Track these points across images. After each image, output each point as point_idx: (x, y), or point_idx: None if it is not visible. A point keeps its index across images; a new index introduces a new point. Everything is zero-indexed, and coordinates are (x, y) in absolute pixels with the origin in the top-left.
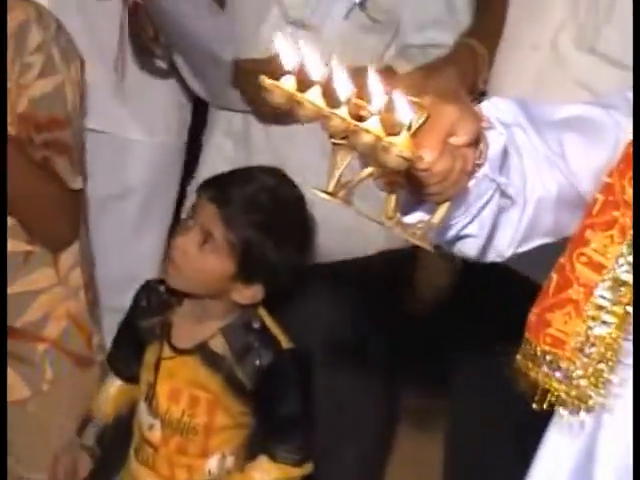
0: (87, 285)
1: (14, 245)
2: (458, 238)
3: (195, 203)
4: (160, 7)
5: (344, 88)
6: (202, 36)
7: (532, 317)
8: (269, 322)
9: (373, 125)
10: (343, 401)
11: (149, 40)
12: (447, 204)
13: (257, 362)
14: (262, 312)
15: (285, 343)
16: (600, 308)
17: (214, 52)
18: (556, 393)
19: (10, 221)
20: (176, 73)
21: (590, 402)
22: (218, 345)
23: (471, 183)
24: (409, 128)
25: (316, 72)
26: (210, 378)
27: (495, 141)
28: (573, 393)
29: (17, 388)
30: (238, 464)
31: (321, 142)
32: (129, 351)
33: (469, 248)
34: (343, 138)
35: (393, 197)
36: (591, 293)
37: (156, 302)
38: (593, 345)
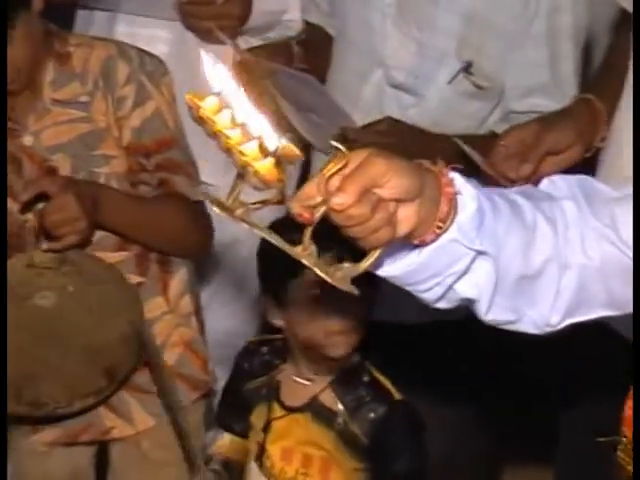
0: (197, 311)
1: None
2: (465, 304)
3: None
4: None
5: (239, 112)
6: (308, 104)
7: (627, 411)
8: (378, 374)
9: (248, 148)
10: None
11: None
12: (377, 252)
13: (372, 415)
14: (369, 365)
15: (397, 395)
16: None
17: (320, 117)
18: None
19: (120, 256)
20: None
21: None
22: (329, 400)
23: (434, 246)
24: (274, 155)
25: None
26: (323, 435)
27: (466, 208)
28: None
29: (142, 418)
30: None
31: None
32: (237, 412)
33: (490, 316)
34: None
35: (309, 229)
36: None
37: (259, 364)
38: None
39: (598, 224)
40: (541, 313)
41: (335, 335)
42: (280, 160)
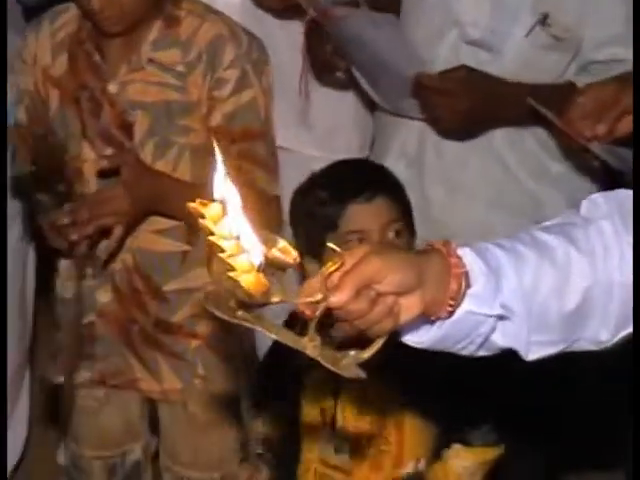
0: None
1: (174, 246)
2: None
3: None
4: (340, 27)
5: (233, 223)
6: (382, 51)
7: None
8: None
9: (238, 261)
10: None
11: (329, 54)
12: (381, 340)
13: None
14: None
15: None
16: None
17: (393, 66)
18: None
19: (172, 223)
20: (355, 88)
21: None
22: None
23: (452, 320)
24: (258, 269)
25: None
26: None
27: (478, 280)
28: None
29: (169, 378)
30: (430, 463)
31: (491, 168)
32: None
33: (532, 357)
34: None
35: (313, 322)
36: None
37: None
38: None
39: (630, 238)
40: (592, 334)
41: None
42: (266, 272)
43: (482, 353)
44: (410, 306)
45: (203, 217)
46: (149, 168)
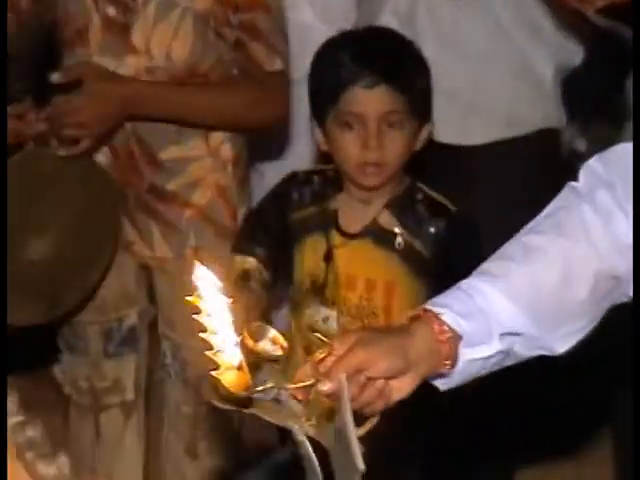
0: (236, 160)
1: None
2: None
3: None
4: None
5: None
6: None
7: None
8: (431, 192)
9: (222, 357)
10: None
11: None
12: (374, 419)
13: (432, 230)
14: (420, 184)
15: (453, 208)
16: None
17: None
18: None
19: None
20: None
21: None
22: (388, 222)
23: (457, 370)
24: (239, 368)
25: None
26: (385, 258)
27: (471, 339)
28: None
29: (160, 247)
30: None
31: (489, 26)
32: (267, 238)
33: (563, 349)
34: None
35: (308, 405)
36: None
37: (310, 193)
38: None
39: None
40: (619, 296)
41: (368, 166)
42: (245, 369)
43: (511, 363)
44: (402, 386)
45: (198, 312)
46: (113, 76)
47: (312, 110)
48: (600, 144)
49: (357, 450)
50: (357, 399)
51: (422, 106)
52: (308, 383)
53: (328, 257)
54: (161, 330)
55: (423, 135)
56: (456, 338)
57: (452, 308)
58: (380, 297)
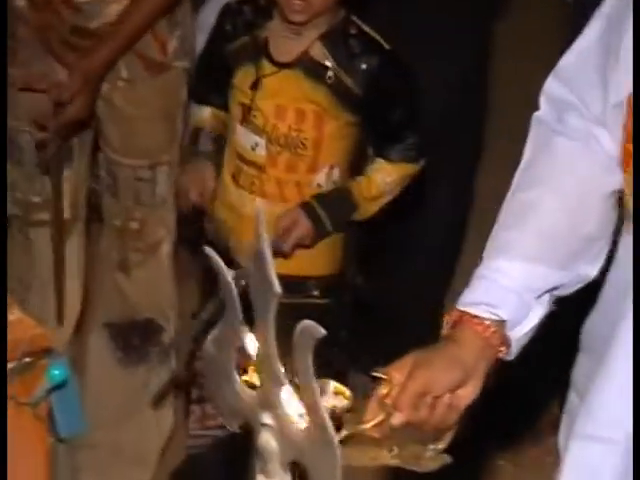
0: None
1: None
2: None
3: None
4: None
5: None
6: None
7: None
8: (366, 27)
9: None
10: None
11: None
12: (452, 431)
13: (364, 66)
14: (355, 19)
15: (387, 46)
16: None
17: None
18: None
19: None
20: None
21: None
22: (319, 54)
23: (516, 338)
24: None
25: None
26: (315, 90)
27: (507, 315)
28: None
29: None
30: (344, 176)
31: None
32: (216, 82)
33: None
34: None
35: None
36: None
37: (242, 23)
38: None
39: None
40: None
41: (294, 0)
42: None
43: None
44: (467, 393)
45: None
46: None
47: None
48: None
49: (273, 273)
50: (430, 420)
51: None
52: (380, 419)
53: (255, 85)
54: (101, 145)
55: None
56: (501, 326)
57: (485, 302)
58: (310, 128)
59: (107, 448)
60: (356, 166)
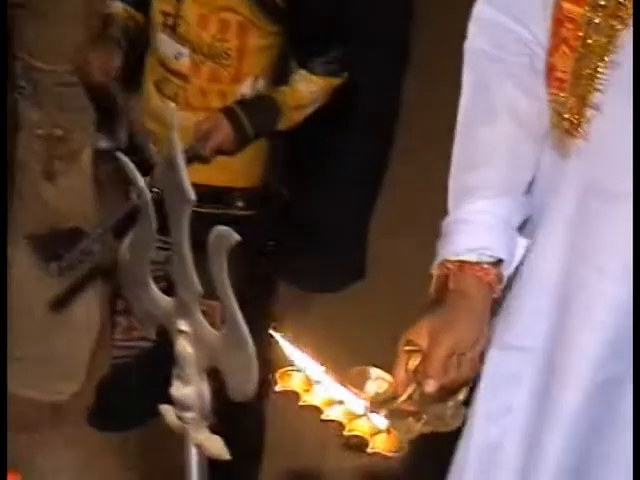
0: None
1: None
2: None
3: None
4: None
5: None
6: None
7: None
8: None
9: (360, 425)
10: None
11: None
12: (469, 382)
13: None
14: None
15: None
16: None
17: None
18: None
19: None
20: None
21: None
22: None
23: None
24: (387, 431)
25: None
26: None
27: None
28: None
29: None
30: (268, 87)
31: None
32: None
33: None
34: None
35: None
36: None
37: None
38: None
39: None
40: None
41: None
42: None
43: None
44: (482, 342)
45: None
46: None
47: None
48: None
49: (186, 179)
50: (458, 379)
51: None
52: (412, 390)
53: None
54: (14, 52)
55: None
56: (497, 267)
57: (483, 246)
58: (233, 38)
59: (35, 360)
60: (281, 78)
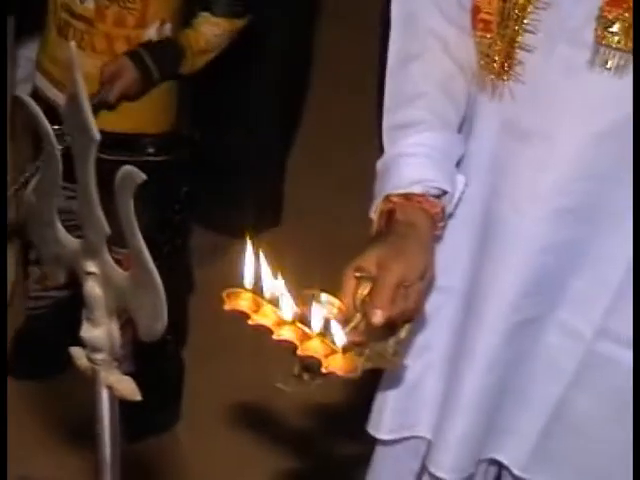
0: None
1: None
2: None
3: None
4: None
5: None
6: None
7: None
8: None
9: (314, 346)
10: None
11: None
12: (412, 321)
13: None
14: None
15: None
16: None
17: None
18: None
19: None
20: None
21: None
22: None
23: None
24: (343, 351)
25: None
26: None
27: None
28: None
29: None
30: (175, 31)
31: None
32: None
33: None
34: None
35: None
36: None
37: None
38: None
39: None
40: None
41: None
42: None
43: None
44: (429, 276)
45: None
46: None
47: None
48: None
49: (90, 118)
50: (405, 311)
51: None
52: (358, 321)
53: None
54: None
55: None
56: (441, 200)
57: (428, 178)
58: None
59: None
60: (187, 22)
